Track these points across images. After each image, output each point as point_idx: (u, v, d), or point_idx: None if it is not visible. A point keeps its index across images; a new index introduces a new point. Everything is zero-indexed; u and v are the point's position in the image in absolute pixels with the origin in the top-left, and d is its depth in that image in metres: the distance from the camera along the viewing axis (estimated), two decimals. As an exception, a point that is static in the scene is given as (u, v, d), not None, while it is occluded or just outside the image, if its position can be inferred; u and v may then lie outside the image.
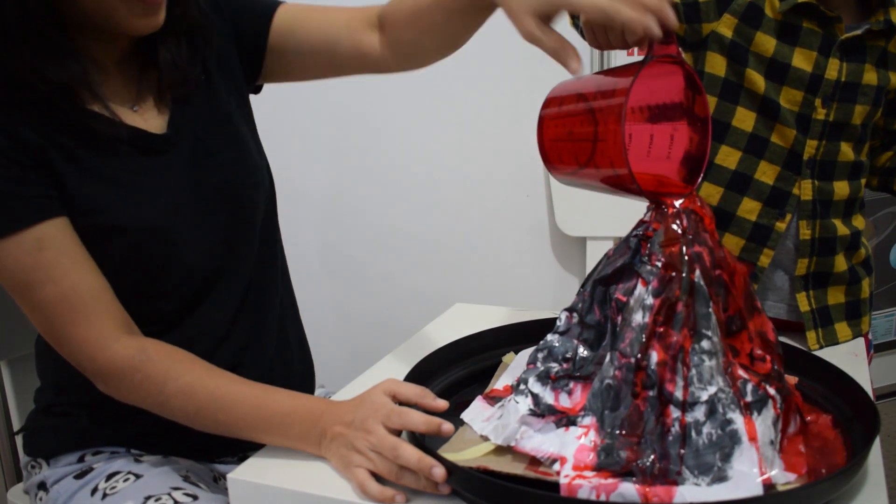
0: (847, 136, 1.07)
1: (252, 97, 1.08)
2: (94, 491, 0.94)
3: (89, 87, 0.85)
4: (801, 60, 1.03)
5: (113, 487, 0.93)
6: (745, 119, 1.07)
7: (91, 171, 0.87)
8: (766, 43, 1.04)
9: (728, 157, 1.09)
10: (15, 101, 0.83)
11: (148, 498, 0.90)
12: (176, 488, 0.92)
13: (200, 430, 0.87)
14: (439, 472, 0.71)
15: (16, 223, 0.83)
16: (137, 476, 0.94)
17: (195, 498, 0.91)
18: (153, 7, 0.85)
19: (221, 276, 0.98)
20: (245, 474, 0.80)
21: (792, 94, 1.05)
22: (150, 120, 0.93)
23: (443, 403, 0.81)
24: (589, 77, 0.80)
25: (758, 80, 1.05)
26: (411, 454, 0.73)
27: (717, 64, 1.07)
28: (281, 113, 1.89)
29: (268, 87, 1.11)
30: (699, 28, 1.06)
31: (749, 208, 1.09)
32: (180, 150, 0.94)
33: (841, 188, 1.09)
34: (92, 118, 0.87)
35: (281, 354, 1.07)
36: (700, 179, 0.81)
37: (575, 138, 0.79)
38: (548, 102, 0.83)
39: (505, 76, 1.96)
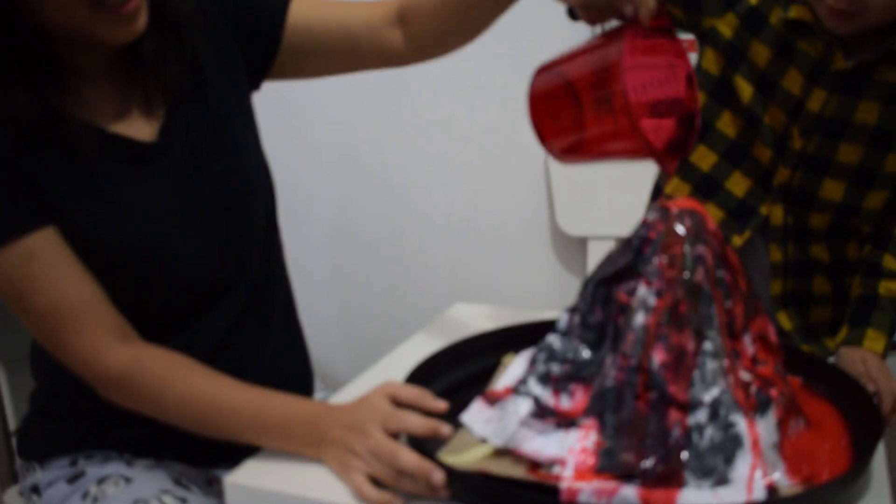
0: (834, 174, 1.00)
1: (257, 108, 1.04)
2: (85, 495, 0.93)
3: (60, 100, 0.82)
4: (791, 82, 0.98)
5: (103, 492, 0.92)
6: (729, 124, 1.03)
7: (74, 181, 0.85)
8: (761, 53, 0.99)
9: (704, 158, 1.05)
10: None
11: (136, 502, 0.89)
12: (165, 491, 0.91)
13: (202, 435, 0.86)
14: (438, 476, 0.70)
15: (3, 235, 0.82)
16: (128, 480, 0.93)
17: (184, 501, 0.90)
18: (129, 14, 0.80)
19: (222, 287, 0.97)
20: (242, 478, 0.79)
21: (777, 114, 1.00)
22: (138, 128, 0.90)
23: (443, 404, 0.80)
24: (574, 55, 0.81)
25: (745, 89, 1.00)
26: (410, 458, 0.72)
27: (712, 61, 1.03)
28: (284, 119, 1.88)
29: (273, 100, 1.08)
30: (699, 20, 1.02)
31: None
32: (173, 158, 0.91)
33: (819, 220, 1.03)
34: (73, 127, 0.84)
35: (281, 360, 1.06)
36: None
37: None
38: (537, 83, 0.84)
39: (505, 75, 1.95)
